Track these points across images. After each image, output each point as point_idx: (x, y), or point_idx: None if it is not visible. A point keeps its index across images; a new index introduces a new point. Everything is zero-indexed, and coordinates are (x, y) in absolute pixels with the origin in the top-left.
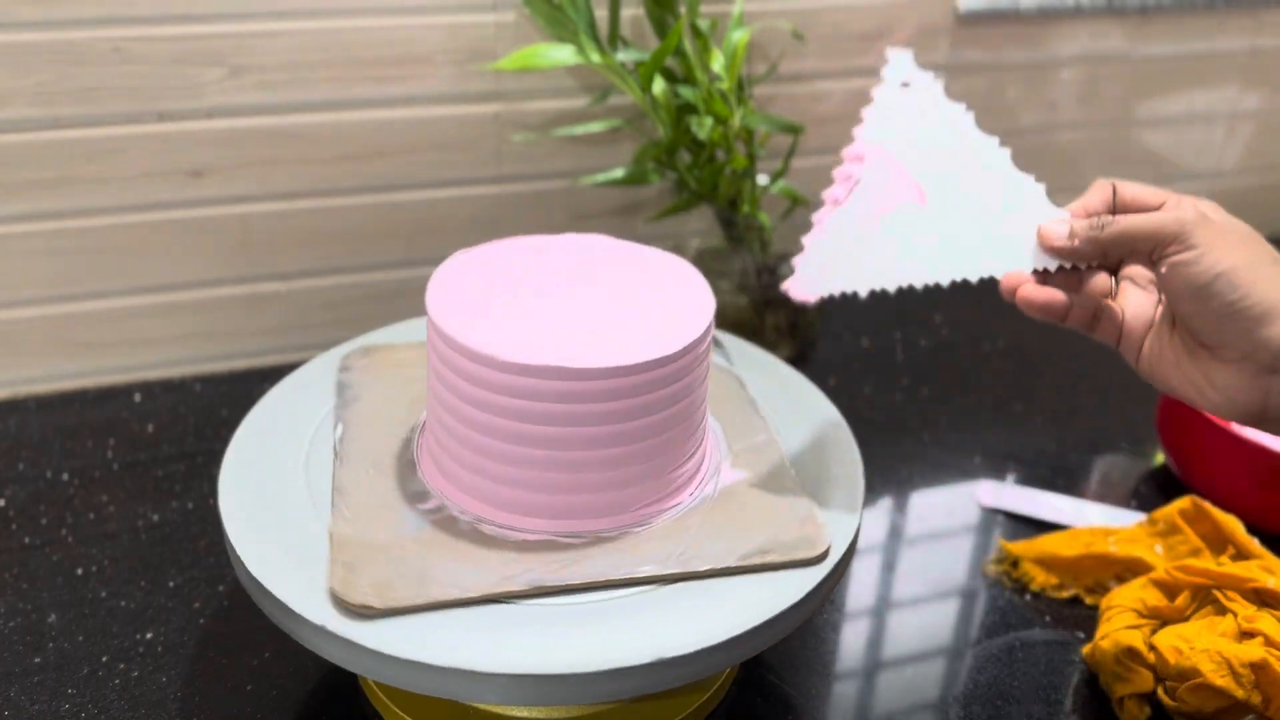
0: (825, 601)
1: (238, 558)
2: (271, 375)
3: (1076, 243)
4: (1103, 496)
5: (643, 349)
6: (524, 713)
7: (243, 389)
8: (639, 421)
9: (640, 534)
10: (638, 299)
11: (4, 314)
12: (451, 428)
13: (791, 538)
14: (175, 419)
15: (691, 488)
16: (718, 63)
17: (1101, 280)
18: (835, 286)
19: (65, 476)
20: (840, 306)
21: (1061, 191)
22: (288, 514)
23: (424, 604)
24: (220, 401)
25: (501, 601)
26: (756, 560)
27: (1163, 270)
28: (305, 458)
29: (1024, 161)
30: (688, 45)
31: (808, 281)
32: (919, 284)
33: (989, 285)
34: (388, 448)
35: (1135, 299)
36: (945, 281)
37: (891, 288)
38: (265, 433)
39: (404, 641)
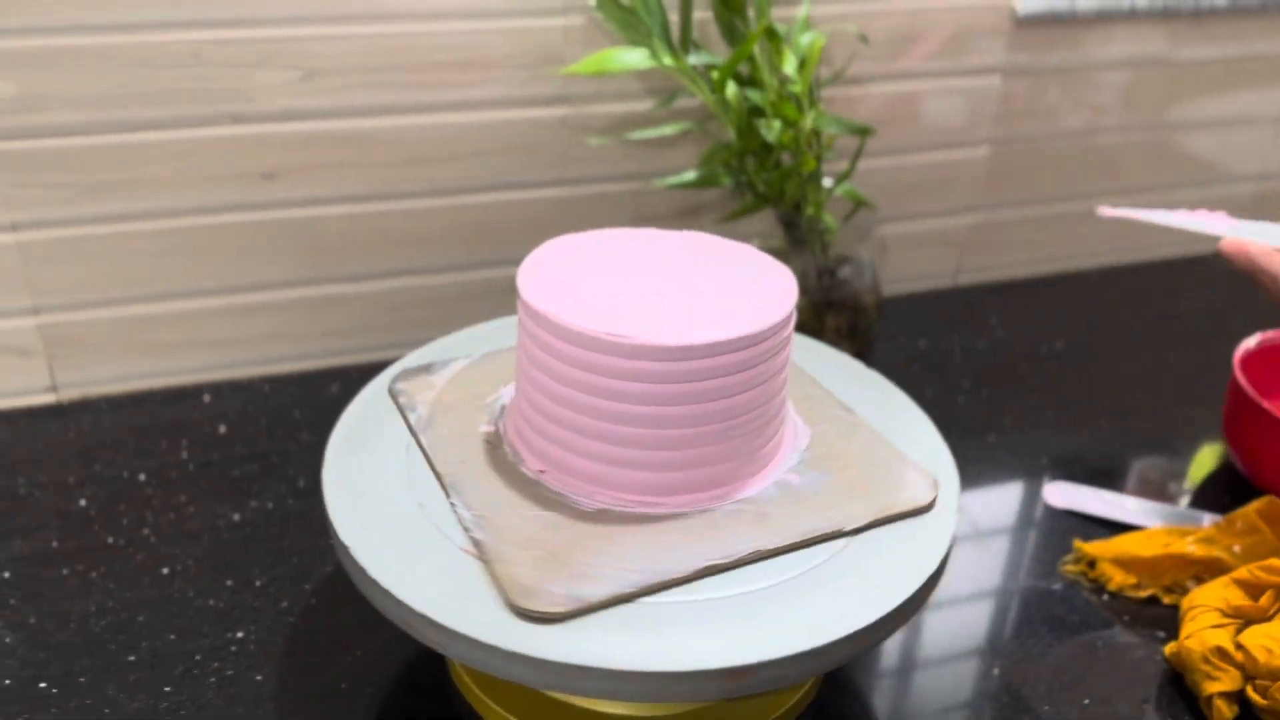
0: (932, 592)
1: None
2: (338, 376)
3: None
4: (1169, 496)
5: (749, 321)
6: (619, 709)
7: (310, 390)
8: (761, 387)
9: (766, 502)
10: (723, 282)
11: (75, 315)
12: (530, 398)
13: (903, 490)
14: (246, 419)
15: (786, 446)
16: (790, 65)
17: None
18: (1138, 216)
19: (142, 477)
20: (895, 307)
21: (1108, 194)
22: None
23: (608, 599)
24: (290, 402)
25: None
26: (882, 515)
27: None
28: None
29: (1075, 162)
30: (755, 48)
31: (1118, 212)
32: (1199, 229)
33: (1043, 288)
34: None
35: None
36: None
37: (1178, 225)
38: (362, 431)
39: (526, 640)
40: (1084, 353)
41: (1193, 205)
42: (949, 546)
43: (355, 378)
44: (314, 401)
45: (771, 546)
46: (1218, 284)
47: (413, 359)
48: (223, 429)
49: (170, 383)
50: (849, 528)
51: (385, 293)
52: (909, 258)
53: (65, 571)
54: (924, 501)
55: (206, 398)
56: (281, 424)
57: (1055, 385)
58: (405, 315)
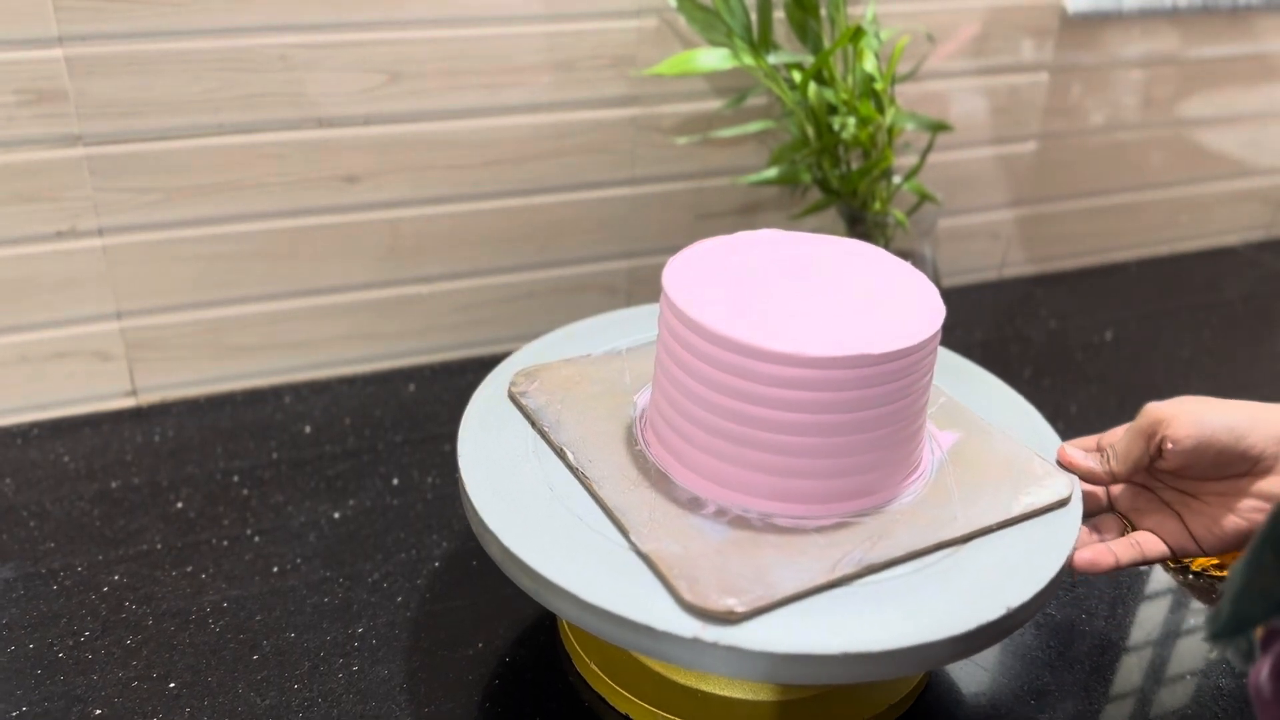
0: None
1: (513, 555)
2: (413, 376)
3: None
4: None
5: (907, 334)
6: (732, 691)
7: (388, 389)
8: (900, 403)
9: (911, 504)
10: (872, 290)
11: (156, 319)
12: (724, 429)
13: (1039, 483)
14: (330, 420)
15: (926, 456)
16: (870, 63)
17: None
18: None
19: (235, 478)
20: (945, 300)
21: (1146, 188)
22: (536, 508)
23: (781, 599)
24: (369, 402)
25: (837, 586)
26: (1024, 509)
27: (1169, 447)
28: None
29: (1117, 156)
30: (826, 45)
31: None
32: None
33: (1086, 280)
34: (624, 461)
35: (1152, 522)
36: None
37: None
38: (489, 425)
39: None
40: (1135, 342)
41: (1229, 196)
42: (1059, 568)
43: (429, 376)
44: (393, 401)
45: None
46: (1253, 274)
47: (527, 355)
48: (308, 429)
49: (248, 385)
50: (987, 523)
51: (459, 292)
52: (957, 251)
53: (175, 573)
54: (1064, 495)
55: (287, 399)
56: (366, 423)
57: (1113, 374)
58: (477, 314)
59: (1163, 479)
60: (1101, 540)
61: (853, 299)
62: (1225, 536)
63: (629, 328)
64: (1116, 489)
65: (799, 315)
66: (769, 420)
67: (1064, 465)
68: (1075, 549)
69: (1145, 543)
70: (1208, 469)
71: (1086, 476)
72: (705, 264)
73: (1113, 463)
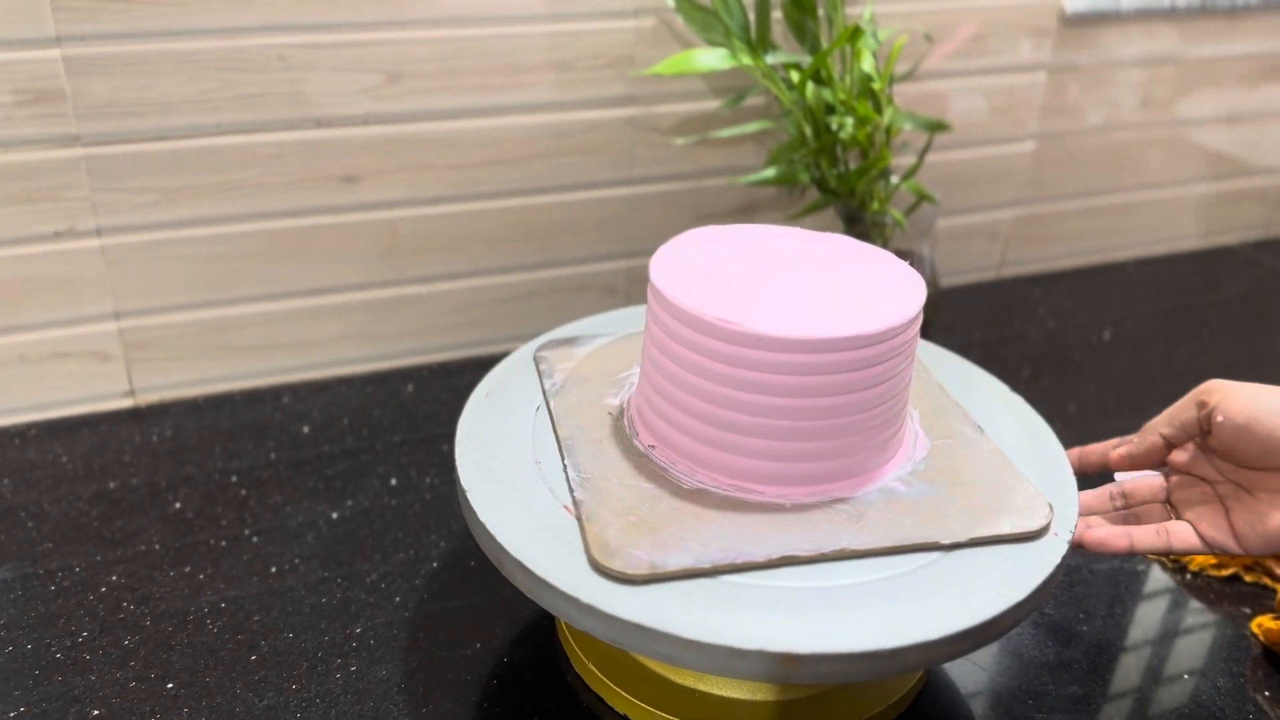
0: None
1: (491, 538)
2: (411, 376)
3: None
4: None
5: (884, 317)
6: (730, 691)
7: (386, 390)
8: (878, 388)
9: (864, 504)
10: (852, 277)
11: (154, 319)
12: (696, 408)
13: (1015, 510)
14: (328, 420)
15: (900, 456)
16: (868, 63)
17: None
18: None
19: (234, 478)
20: (944, 300)
21: (1143, 188)
22: (530, 496)
23: (683, 571)
24: (368, 403)
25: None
26: (982, 535)
27: (1219, 419)
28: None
29: (1115, 156)
30: (823, 45)
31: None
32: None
33: (1084, 279)
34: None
35: (1194, 514)
36: None
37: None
38: (487, 425)
39: (603, 596)
40: (1133, 341)
41: (1227, 196)
42: (1045, 578)
43: (428, 376)
44: (391, 401)
45: (856, 547)
46: (1251, 274)
47: (559, 332)
48: (306, 430)
49: (247, 385)
50: (944, 541)
51: (457, 292)
52: (955, 251)
53: (173, 573)
54: (1031, 528)
55: (286, 399)
56: (364, 424)
57: (1111, 373)
58: (476, 314)
59: (1220, 469)
60: (1140, 526)
61: (822, 289)
62: (1268, 534)
63: (623, 328)
64: (1175, 477)
65: (780, 300)
66: (667, 370)
67: (1109, 465)
68: (1080, 531)
69: (1175, 532)
70: (1257, 452)
71: (1138, 460)
72: (697, 249)
73: (1161, 427)
